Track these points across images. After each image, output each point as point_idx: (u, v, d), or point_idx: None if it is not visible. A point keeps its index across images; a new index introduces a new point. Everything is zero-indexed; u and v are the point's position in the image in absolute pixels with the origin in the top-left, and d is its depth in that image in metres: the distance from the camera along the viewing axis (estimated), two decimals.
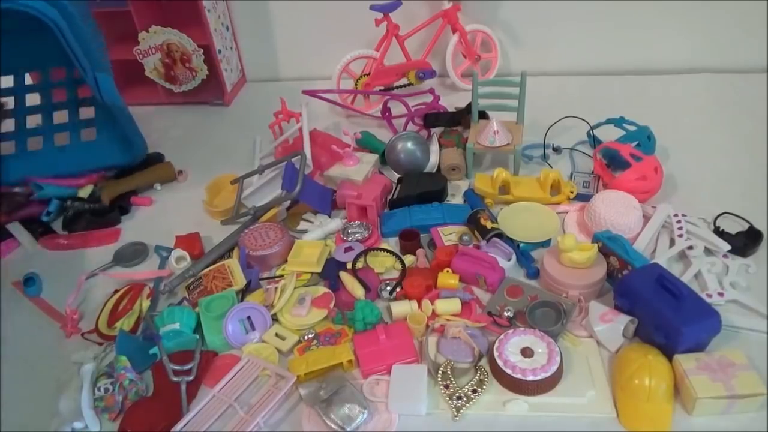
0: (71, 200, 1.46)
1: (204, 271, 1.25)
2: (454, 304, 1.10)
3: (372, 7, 1.71)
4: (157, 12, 1.87)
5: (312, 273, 1.23)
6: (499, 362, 0.97)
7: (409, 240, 1.27)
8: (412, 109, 1.65)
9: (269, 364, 1.05)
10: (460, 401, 0.95)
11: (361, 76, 1.82)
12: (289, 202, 1.40)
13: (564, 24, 1.87)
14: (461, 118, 1.60)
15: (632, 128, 1.49)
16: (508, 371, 0.96)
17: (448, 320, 1.08)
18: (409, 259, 1.24)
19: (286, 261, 1.26)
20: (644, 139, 1.45)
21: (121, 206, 1.51)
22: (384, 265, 1.24)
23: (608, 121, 1.53)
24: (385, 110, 1.71)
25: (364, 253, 1.25)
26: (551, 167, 1.49)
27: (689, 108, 1.70)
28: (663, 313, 0.96)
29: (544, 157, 1.54)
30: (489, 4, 1.87)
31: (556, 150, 1.56)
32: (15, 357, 1.15)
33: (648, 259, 1.12)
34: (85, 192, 1.48)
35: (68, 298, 1.22)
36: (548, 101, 1.73)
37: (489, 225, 1.25)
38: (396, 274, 1.22)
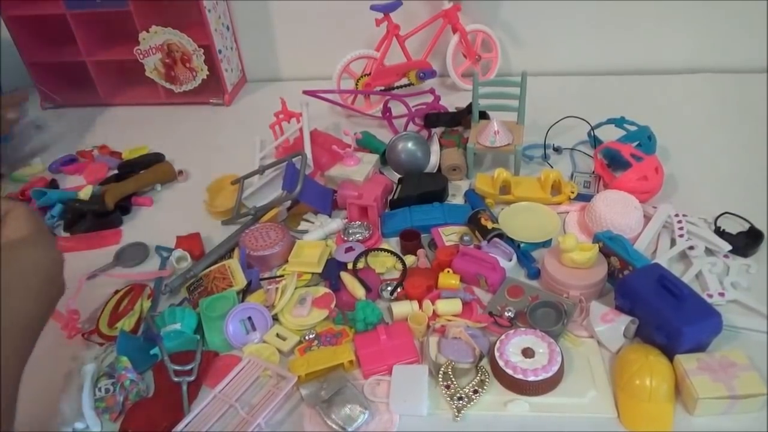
0: (72, 202, 1.46)
1: (205, 272, 1.25)
2: (455, 305, 1.10)
3: (372, 7, 1.71)
4: (158, 12, 1.87)
5: (313, 273, 1.23)
6: (500, 362, 0.97)
7: (410, 240, 1.27)
8: (413, 109, 1.65)
9: (270, 364, 1.05)
10: (461, 401, 0.95)
11: (361, 76, 1.82)
12: (289, 202, 1.40)
13: (564, 24, 1.87)
14: (462, 119, 1.60)
15: (633, 128, 1.49)
16: (509, 371, 0.96)
17: (449, 320, 1.08)
18: (409, 260, 1.24)
19: (286, 261, 1.26)
20: (645, 139, 1.45)
21: (122, 206, 1.51)
22: (385, 265, 1.24)
23: (609, 121, 1.53)
24: (386, 110, 1.71)
25: (365, 253, 1.25)
26: (552, 167, 1.49)
27: (690, 108, 1.70)
28: (664, 313, 0.96)
29: (545, 157, 1.54)
30: (489, 4, 1.87)
31: (557, 150, 1.56)
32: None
33: (649, 259, 1.12)
34: (85, 193, 1.48)
35: (68, 299, 1.22)
36: (549, 101, 1.73)
37: (490, 225, 1.25)
38: (397, 275, 1.22)
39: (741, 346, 0.98)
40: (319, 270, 1.23)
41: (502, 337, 1.02)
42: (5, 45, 2.02)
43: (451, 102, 1.73)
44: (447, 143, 1.54)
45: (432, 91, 1.69)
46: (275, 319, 1.15)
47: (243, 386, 1.02)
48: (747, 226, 1.23)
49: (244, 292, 1.20)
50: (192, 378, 1.04)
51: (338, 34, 1.94)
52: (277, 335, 1.11)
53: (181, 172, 1.63)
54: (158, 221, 1.49)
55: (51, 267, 0.75)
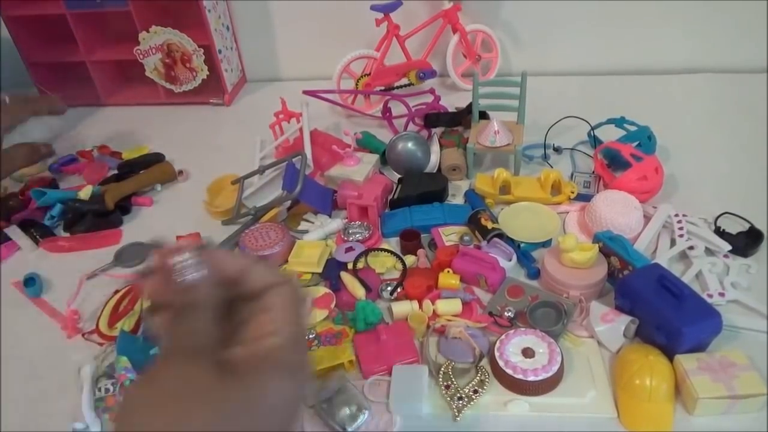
0: (72, 202, 1.46)
1: None
2: (455, 305, 1.10)
3: (372, 7, 1.71)
4: (158, 12, 1.86)
5: (313, 273, 1.23)
6: (500, 362, 0.97)
7: (410, 240, 1.27)
8: (413, 109, 1.64)
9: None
10: (461, 402, 0.95)
11: (361, 76, 1.82)
12: (289, 202, 1.40)
13: (564, 24, 1.87)
14: (462, 119, 1.60)
15: (633, 128, 1.49)
16: (509, 372, 0.96)
17: (449, 320, 1.08)
18: (409, 260, 1.24)
19: (286, 261, 1.26)
20: (645, 139, 1.45)
21: (122, 206, 1.51)
22: (385, 265, 1.24)
23: (609, 121, 1.53)
24: (386, 110, 1.71)
25: (365, 253, 1.25)
26: (552, 167, 1.49)
27: (690, 108, 1.70)
28: (664, 313, 0.96)
29: (545, 157, 1.54)
30: (489, 4, 1.87)
31: (557, 150, 1.56)
32: (15, 357, 1.15)
33: (649, 259, 1.12)
34: (85, 193, 1.48)
35: (69, 299, 1.22)
36: (549, 101, 1.73)
37: (490, 225, 1.25)
38: (397, 275, 1.22)
39: (741, 346, 0.98)
40: (319, 270, 1.23)
41: (502, 337, 1.02)
42: (5, 45, 2.02)
43: (451, 102, 1.73)
44: (447, 143, 1.54)
45: (432, 91, 1.69)
46: None
47: None
48: (747, 226, 1.23)
49: None
50: None
51: (338, 34, 1.94)
52: None
53: (181, 172, 1.63)
54: (158, 221, 1.49)
55: (293, 409, 0.46)
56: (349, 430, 0.93)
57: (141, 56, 1.90)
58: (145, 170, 1.62)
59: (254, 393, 0.42)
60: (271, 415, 0.42)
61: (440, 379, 0.98)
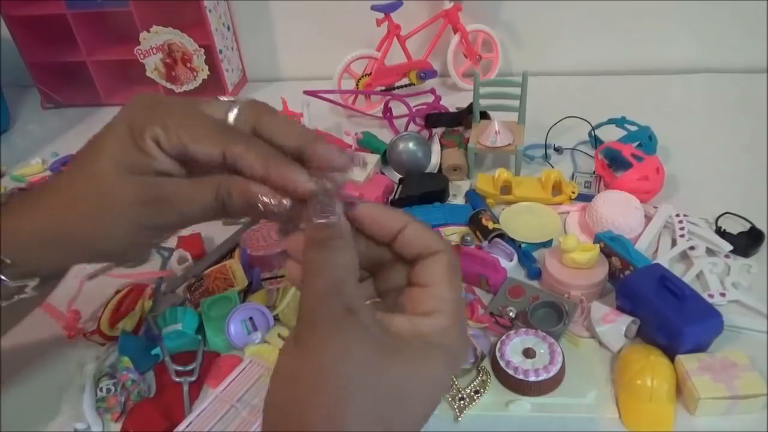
0: None
1: (206, 272, 1.25)
2: None
3: (373, 7, 1.71)
4: (158, 12, 1.86)
5: None
6: (501, 363, 0.97)
7: None
8: (414, 110, 1.64)
9: (272, 365, 1.04)
10: (462, 402, 0.95)
11: (362, 76, 1.82)
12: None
13: (565, 24, 1.87)
14: (462, 119, 1.60)
15: (633, 128, 1.49)
16: (510, 372, 0.96)
17: None
18: None
19: None
20: (645, 139, 1.45)
21: None
22: None
23: (609, 122, 1.54)
24: (387, 110, 1.71)
25: None
26: (553, 167, 1.49)
27: (690, 108, 1.70)
28: (665, 313, 0.96)
29: (546, 157, 1.54)
30: (490, 4, 1.87)
31: (558, 150, 1.56)
32: (15, 358, 1.15)
33: (650, 259, 1.12)
34: None
35: (70, 299, 1.22)
36: (549, 101, 1.73)
37: (491, 225, 1.25)
38: None
39: (742, 346, 0.99)
40: None
41: (503, 337, 1.02)
42: (5, 45, 2.02)
43: (452, 102, 1.73)
44: (448, 143, 1.54)
45: (433, 91, 1.69)
46: (276, 319, 1.15)
47: (244, 386, 1.02)
48: (748, 226, 1.23)
49: (246, 293, 1.20)
50: (193, 378, 1.04)
51: (339, 34, 1.94)
52: (279, 335, 1.11)
53: None
54: None
55: (439, 397, 0.44)
56: None
57: (142, 56, 1.89)
58: None
59: (410, 374, 0.38)
60: (420, 399, 0.39)
61: None
